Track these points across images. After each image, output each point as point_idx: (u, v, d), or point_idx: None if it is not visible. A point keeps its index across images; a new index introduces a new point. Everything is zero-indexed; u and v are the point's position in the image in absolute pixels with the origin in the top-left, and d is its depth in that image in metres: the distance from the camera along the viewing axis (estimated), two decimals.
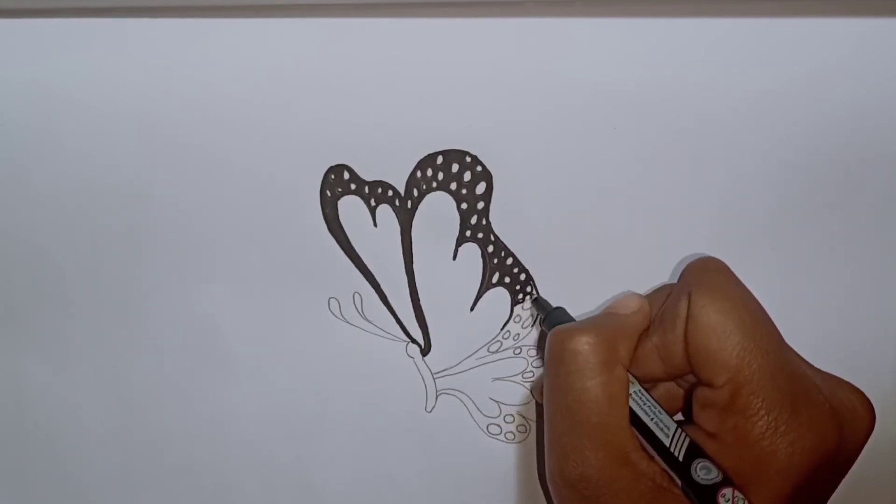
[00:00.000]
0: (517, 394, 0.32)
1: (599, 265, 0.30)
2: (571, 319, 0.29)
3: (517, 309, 0.31)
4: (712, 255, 0.29)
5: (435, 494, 0.34)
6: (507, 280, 0.30)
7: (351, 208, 0.30)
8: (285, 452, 0.35)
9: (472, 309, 0.31)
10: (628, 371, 0.26)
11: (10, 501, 0.38)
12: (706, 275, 0.27)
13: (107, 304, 0.34)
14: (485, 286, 0.31)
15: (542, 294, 0.30)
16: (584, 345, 0.25)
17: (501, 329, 0.31)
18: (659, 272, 0.30)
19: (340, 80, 0.28)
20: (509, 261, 0.30)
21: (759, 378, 0.24)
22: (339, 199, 0.30)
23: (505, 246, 0.30)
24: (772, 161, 0.28)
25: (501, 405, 0.32)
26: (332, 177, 0.30)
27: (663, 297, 0.28)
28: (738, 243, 0.29)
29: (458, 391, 0.33)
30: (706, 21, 0.26)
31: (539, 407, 0.32)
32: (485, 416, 0.33)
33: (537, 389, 0.31)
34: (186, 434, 0.35)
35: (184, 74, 0.29)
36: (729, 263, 0.29)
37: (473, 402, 0.33)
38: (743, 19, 0.26)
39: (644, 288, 0.30)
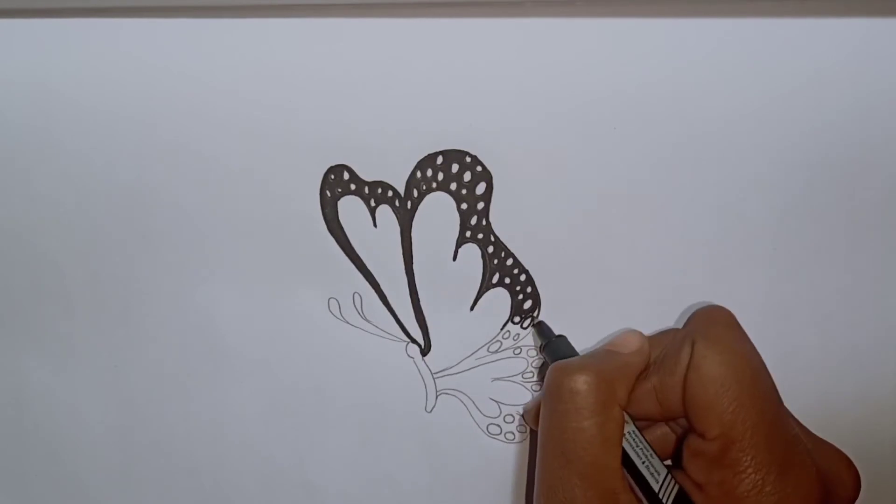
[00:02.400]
0: (517, 394, 0.32)
1: (599, 265, 0.30)
2: (573, 351, 0.29)
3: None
4: (712, 254, 0.29)
5: (435, 494, 0.34)
6: (507, 281, 0.30)
7: (351, 208, 0.30)
8: (285, 452, 0.35)
9: (471, 309, 0.31)
10: (624, 410, 0.26)
11: (10, 501, 0.38)
12: (713, 325, 0.27)
13: (107, 304, 0.34)
14: (485, 286, 0.31)
15: (542, 295, 0.30)
16: (583, 384, 0.25)
17: (501, 329, 0.31)
18: (659, 272, 0.30)
19: (340, 80, 0.28)
20: (509, 261, 0.30)
21: (752, 436, 0.24)
22: (338, 199, 0.30)
23: (505, 246, 0.30)
24: (772, 162, 0.28)
25: (501, 405, 0.32)
26: (332, 177, 0.30)
27: (666, 341, 0.28)
28: (739, 244, 0.29)
29: (458, 391, 0.33)
30: (706, 21, 0.26)
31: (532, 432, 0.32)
32: (485, 416, 0.33)
33: (530, 414, 0.30)
34: (186, 434, 0.35)
35: (184, 74, 0.29)
36: (728, 263, 0.29)
37: (473, 402, 0.33)
38: (744, 20, 0.26)
39: (644, 287, 0.30)
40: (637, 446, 0.26)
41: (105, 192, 0.32)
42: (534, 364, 0.32)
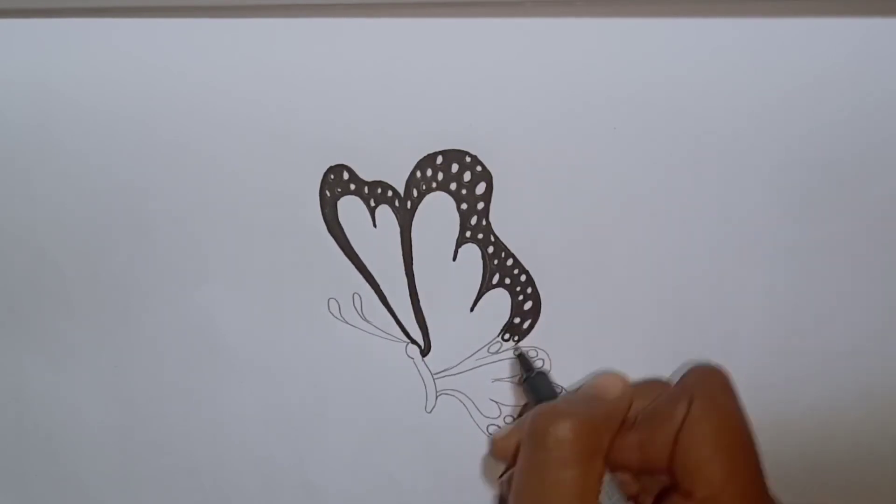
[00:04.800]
0: (517, 395, 0.32)
1: (600, 266, 0.30)
2: (552, 390, 0.29)
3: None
4: (712, 255, 0.29)
5: (435, 494, 0.34)
6: (508, 281, 0.30)
7: (350, 209, 0.30)
8: (285, 452, 0.35)
9: (471, 310, 0.31)
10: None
11: (10, 501, 0.38)
12: (712, 386, 0.27)
13: (107, 304, 0.34)
14: (485, 287, 0.31)
15: (542, 295, 0.30)
16: (570, 433, 0.24)
17: (501, 330, 0.31)
18: (659, 273, 0.30)
19: (340, 80, 0.28)
20: (509, 262, 0.30)
21: (740, 502, 0.24)
22: (338, 199, 0.30)
23: (505, 247, 0.30)
24: (773, 162, 0.28)
25: (501, 406, 0.32)
26: (332, 177, 0.30)
27: (654, 393, 0.28)
28: (739, 244, 0.29)
29: (458, 392, 0.33)
30: (707, 21, 0.26)
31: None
32: (484, 416, 0.33)
33: (500, 447, 0.29)
34: (186, 434, 0.35)
35: (183, 74, 0.29)
36: (729, 264, 0.29)
37: (473, 402, 0.33)
38: (744, 20, 0.26)
39: (644, 288, 0.30)
40: (612, 497, 0.26)
41: (105, 192, 0.32)
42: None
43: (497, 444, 0.29)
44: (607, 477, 0.26)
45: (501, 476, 0.32)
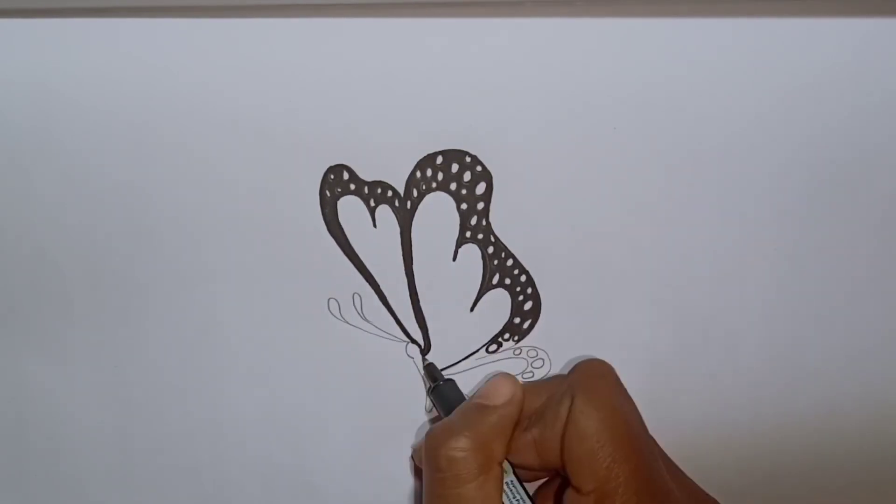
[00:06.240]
0: None
1: (600, 266, 0.30)
2: (461, 396, 0.30)
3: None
4: (712, 255, 0.29)
5: None
6: (508, 281, 0.30)
7: (350, 209, 0.30)
8: (285, 452, 0.35)
9: (471, 310, 0.31)
10: (506, 459, 0.27)
11: (9, 501, 0.38)
12: (591, 380, 0.28)
13: (107, 304, 0.34)
14: (485, 287, 0.31)
15: (542, 295, 0.30)
16: (459, 452, 0.25)
17: (501, 330, 0.31)
18: (659, 273, 0.30)
19: (340, 79, 0.28)
20: (509, 262, 0.30)
21: (624, 492, 0.24)
22: (338, 199, 0.30)
23: (505, 247, 0.30)
24: (774, 162, 0.28)
25: None
26: (332, 177, 0.30)
27: (550, 391, 0.28)
28: (740, 244, 0.29)
29: None
30: (707, 21, 0.26)
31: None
32: None
33: (418, 455, 0.31)
34: (186, 434, 0.35)
35: (183, 74, 0.29)
36: (729, 264, 0.29)
37: None
38: (745, 20, 0.26)
39: (644, 288, 0.30)
40: (515, 496, 0.27)
41: (105, 192, 0.32)
42: (534, 365, 0.32)
43: (416, 454, 0.32)
44: (510, 477, 0.27)
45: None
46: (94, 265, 0.33)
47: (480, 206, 0.29)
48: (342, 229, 0.31)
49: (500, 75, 0.27)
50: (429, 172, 0.29)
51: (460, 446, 0.25)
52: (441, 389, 0.30)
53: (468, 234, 0.30)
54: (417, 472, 0.33)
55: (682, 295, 0.30)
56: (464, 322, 0.31)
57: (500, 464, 0.26)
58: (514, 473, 0.28)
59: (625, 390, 0.28)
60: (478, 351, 0.32)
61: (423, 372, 0.32)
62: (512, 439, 0.27)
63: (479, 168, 0.29)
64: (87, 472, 0.37)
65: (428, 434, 0.27)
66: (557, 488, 0.29)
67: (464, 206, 0.30)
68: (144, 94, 0.30)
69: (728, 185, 0.28)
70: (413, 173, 0.29)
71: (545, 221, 0.29)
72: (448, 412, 0.29)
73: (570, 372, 0.29)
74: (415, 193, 0.30)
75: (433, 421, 0.33)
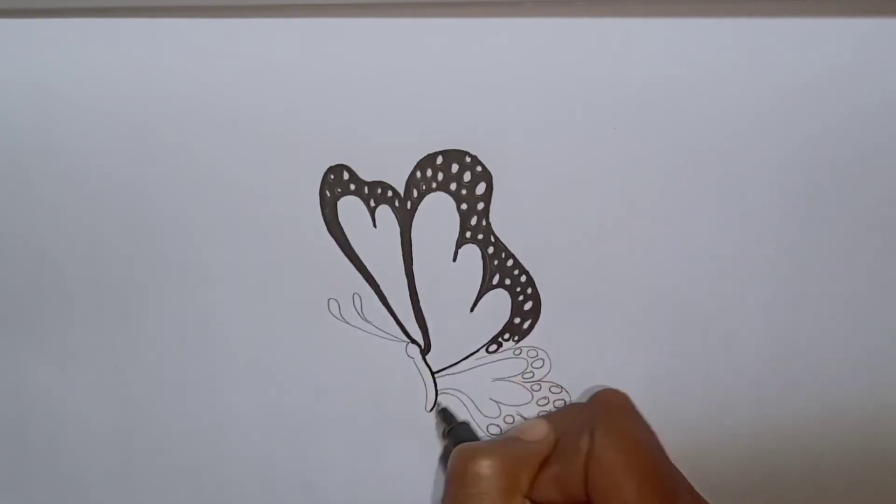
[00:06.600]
0: (517, 394, 0.32)
1: (600, 266, 0.30)
2: (476, 437, 0.30)
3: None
4: (712, 255, 0.29)
5: (435, 494, 0.34)
6: (508, 282, 0.30)
7: (350, 209, 0.30)
8: (285, 452, 0.35)
9: (471, 310, 0.31)
10: (527, 497, 0.27)
11: (10, 501, 0.38)
12: (610, 412, 0.28)
13: (107, 304, 0.34)
14: (485, 287, 0.31)
15: (542, 295, 0.30)
16: (486, 468, 0.26)
17: (501, 330, 0.31)
18: (659, 273, 0.29)
19: (340, 79, 0.28)
20: (509, 262, 0.30)
21: None
22: (338, 199, 0.30)
23: (505, 247, 0.30)
24: (774, 162, 0.28)
25: (501, 406, 0.32)
26: (332, 177, 0.30)
27: (566, 424, 0.28)
28: (740, 244, 0.29)
29: (458, 391, 0.33)
30: (708, 21, 0.26)
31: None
32: (485, 416, 0.33)
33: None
34: (186, 434, 0.35)
35: (183, 74, 0.29)
36: (729, 264, 0.28)
37: (473, 402, 0.33)
38: (744, 20, 0.26)
39: (644, 288, 0.30)
40: None
41: (105, 192, 0.32)
42: (534, 365, 0.32)
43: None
44: None
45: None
46: (94, 265, 0.33)
47: (480, 206, 0.29)
48: (342, 229, 0.31)
49: (500, 75, 0.27)
50: (429, 172, 0.29)
51: (488, 465, 0.26)
52: (459, 431, 0.31)
53: (468, 234, 0.30)
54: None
55: (682, 295, 0.30)
56: (464, 322, 0.31)
57: (524, 496, 0.26)
58: None
59: (643, 419, 0.28)
60: (478, 351, 0.32)
61: (436, 418, 0.32)
62: (536, 476, 0.27)
63: (479, 168, 0.29)
64: (87, 472, 0.37)
65: (458, 448, 0.27)
66: None
67: (464, 206, 0.30)
68: (144, 95, 0.30)
69: (728, 184, 0.28)
70: (413, 173, 0.29)
71: (545, 221, 0.29)
72: None
73: (586, 403, 0.30)
74: (415, 193, 0.30)
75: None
